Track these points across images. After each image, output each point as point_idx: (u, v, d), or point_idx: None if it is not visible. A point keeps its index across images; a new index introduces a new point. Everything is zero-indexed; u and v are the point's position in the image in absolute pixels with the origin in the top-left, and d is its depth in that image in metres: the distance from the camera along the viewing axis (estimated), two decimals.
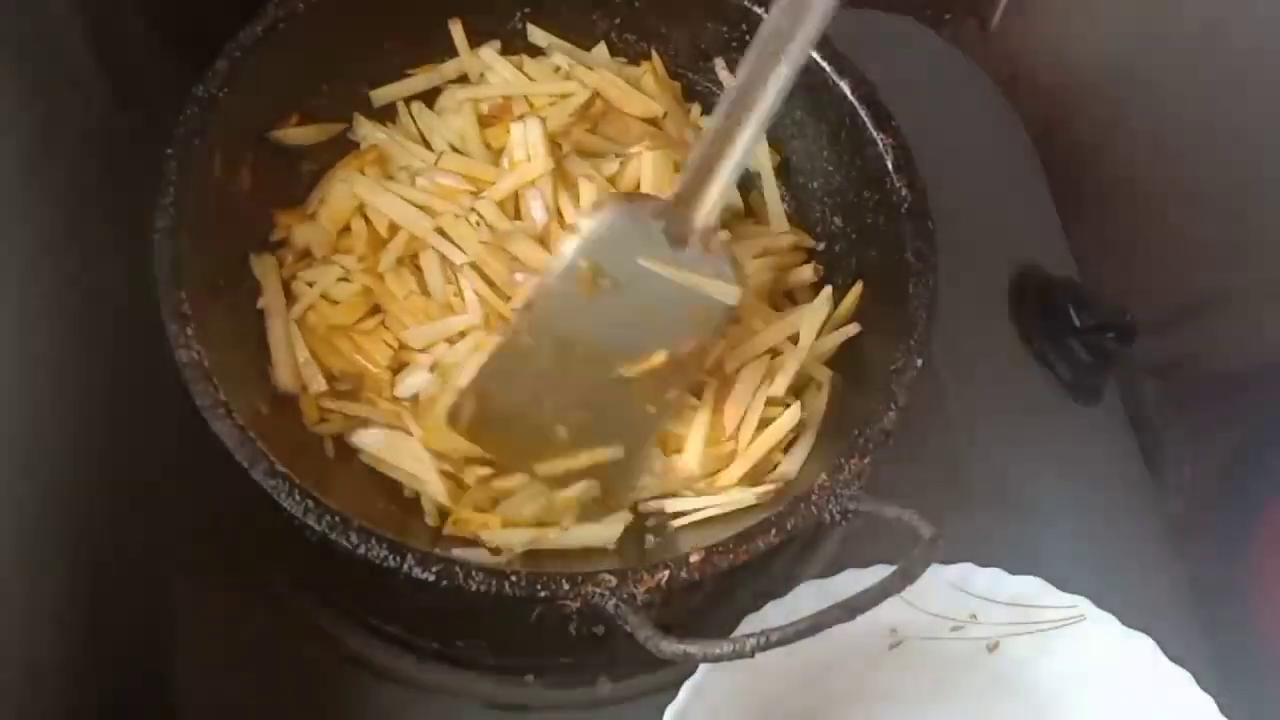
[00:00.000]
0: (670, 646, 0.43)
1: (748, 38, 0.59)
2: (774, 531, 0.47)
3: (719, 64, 0.62)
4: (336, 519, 0.46)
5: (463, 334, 0.54)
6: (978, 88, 0.80)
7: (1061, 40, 0.87)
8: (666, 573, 0.46)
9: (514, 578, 0.45)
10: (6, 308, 0.48)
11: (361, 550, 0.45)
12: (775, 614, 0.52)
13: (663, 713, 0.50)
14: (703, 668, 0.51)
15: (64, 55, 0.56)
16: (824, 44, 0.58)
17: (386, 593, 0.55)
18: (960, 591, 0.54)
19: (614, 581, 0.45)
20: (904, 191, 0.55)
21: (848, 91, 0.57)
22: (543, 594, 0.45)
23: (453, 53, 0.61)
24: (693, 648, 0.42)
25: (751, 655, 0.42)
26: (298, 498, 0.46)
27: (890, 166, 0.55)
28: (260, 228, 0.56)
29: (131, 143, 0.55)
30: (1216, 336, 0.89)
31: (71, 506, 0.51)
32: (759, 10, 0.58)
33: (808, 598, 0.52)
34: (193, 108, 0.52)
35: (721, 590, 0.57)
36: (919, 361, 0.51)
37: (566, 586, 0.45)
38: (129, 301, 0.50)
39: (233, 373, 0.49)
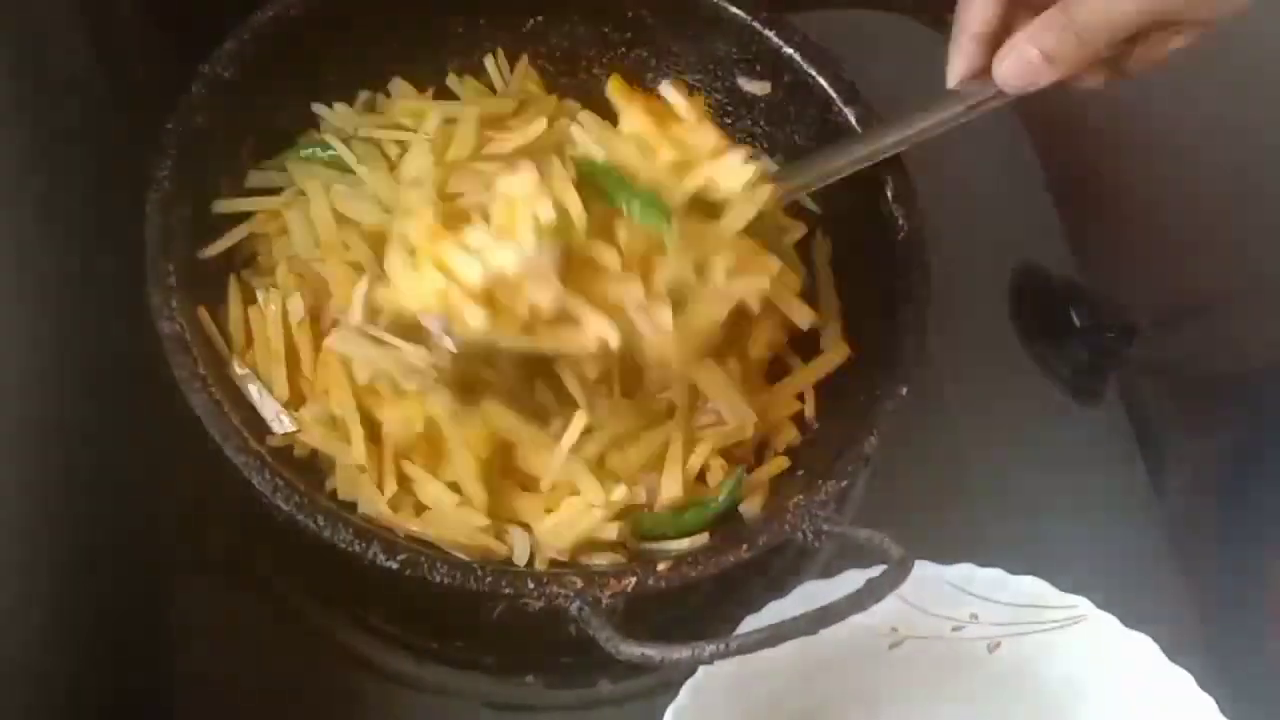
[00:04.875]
0: (630, 649, 0.43)
1: (757, 59, 0.59)
2: (745, 547, 0.48)
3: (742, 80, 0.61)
4: (305, 500, 0.46)
5: None
6: None
7: None
8: (634, 579, 0.46)
9: (479, 572, 0.45)
10: (4, 305, 0.48)
11: (328, 534, 0.45)
12: (774, 614, 0.52)
13: (663, 713, 0.50)
14: (702, 668, 0.51)
15: (63, 55, 0.56)
16: (830, 71, 0.58)
17: (386, 592, 0.55)
18: (961, 591, 0.54)
19: (580, 584, 0.45)
20: (901, 221, 0.55)
21: (852, 120, 0.57)
22: (506, 590, 0.45)
23: (457, 46, 0.61)
24: (652, 650, 0.42)
25: (710, 662, 0.42)
26: (267, 475, 0.46)
27: (890, 195, 0.56)
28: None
29: (131, 143, 0.55)
30: (1216, 336, 0.89)
31: (70, 506, 0.51)
32: (769, 33, 0.58)
33: (807, 598, 0.52)
34: (198, 85, 0.52)
35: (721, 590, 0.57)
36: (904, 390, 0.51)
37: (531, 585, 0.46)
38: (126, 300, 0.50)
39: (216, 353, 0.50)
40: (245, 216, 0.55)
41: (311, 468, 0.51)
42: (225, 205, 0.55)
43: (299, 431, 0.50)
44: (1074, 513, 0.66)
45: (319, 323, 0.53)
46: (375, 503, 0.50)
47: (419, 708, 0.56)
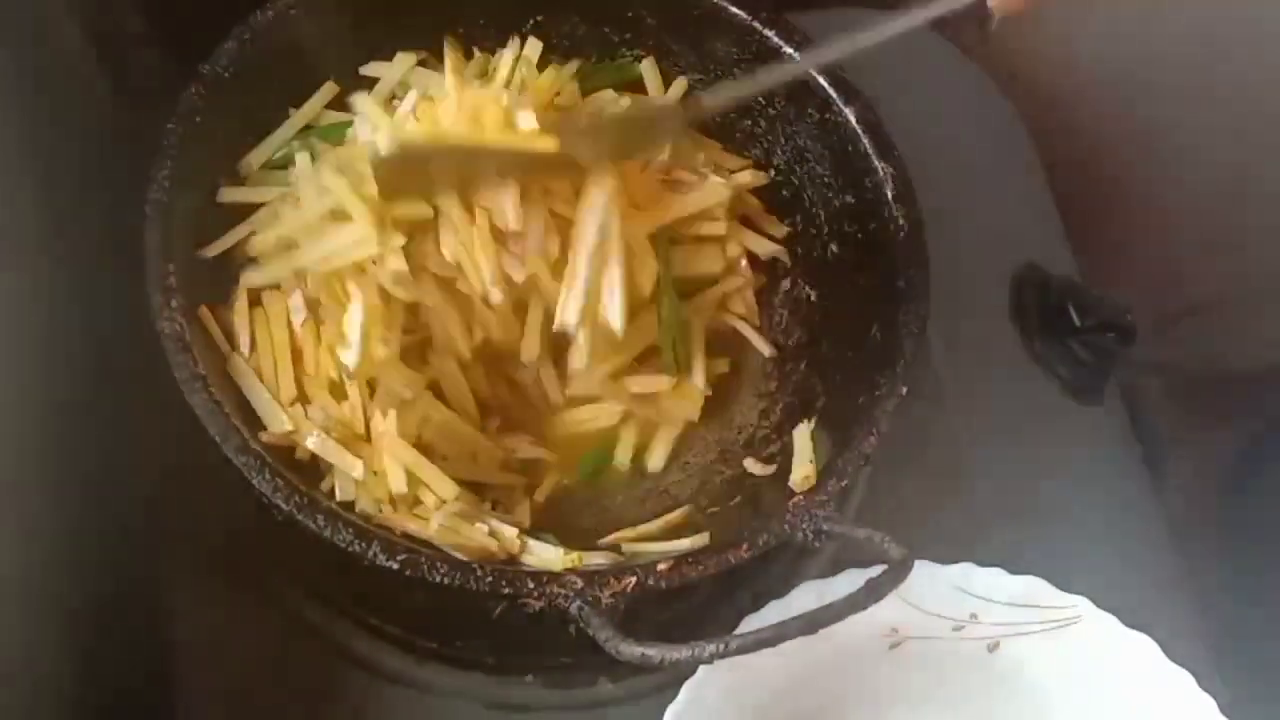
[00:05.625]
0: (629, 649, 0.43)
1: (757, 59, 0.59)
2: (745, 547, 0.48)
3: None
4: (305, 500, 0.46)
5: None
6: (978, 88, 0.80)
7: (1061, 40, 0.87)
8: (634, 579, 0.46)
9: (479, 572, 0.45)
10: (5, 305, 0.48)
11: (328, 534, 0.45)
12: (774, 614, 0.52)
13: (663, 713, 0.50)
14: (702, 668, 0.51)
15: (64, 54, 0.56)
16: (830, 71, 0.58)
17: (386, 593, 0.55)
18: (961, 591, 0.54)
19: (579, 584, 0.45)
20: (901, 220, 0.55)
21: (852, 118, 0.57)
22: (506, 590, 0.45)
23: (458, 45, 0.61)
24: (651, 650, 0.42)
25: (710, 662, 0.42)
26: (267, 476, 0.46)
27: (890, 195, 0.56)
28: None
29: (131, 142, 0.55)
30: (1216, 336, 0.89)
31: (70, 506, 0.51)
32: (769, 32, 0.58)
33: (807, 598, 0.52)
34: (198, 85, 0.52)
35: (722, 590, 0.57)
36: (904, 389, 0.51)
37: (531, 585, 0.45)
38: (126, 299, 0.50)
39: (217, 352, 0.50)
40: (245, 216, 0.55)
41: (312, 467, 0.51)
42: (230, 195, 0.55)
43: (295, 432, 0.50)
44: (1074, 512, 0.66)
45: (322, 322, 0.53)
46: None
47: (419, 708, 0.56)
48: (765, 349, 0.61)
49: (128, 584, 0.56)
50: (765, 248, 0.61)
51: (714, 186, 0.58)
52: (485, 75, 0.60)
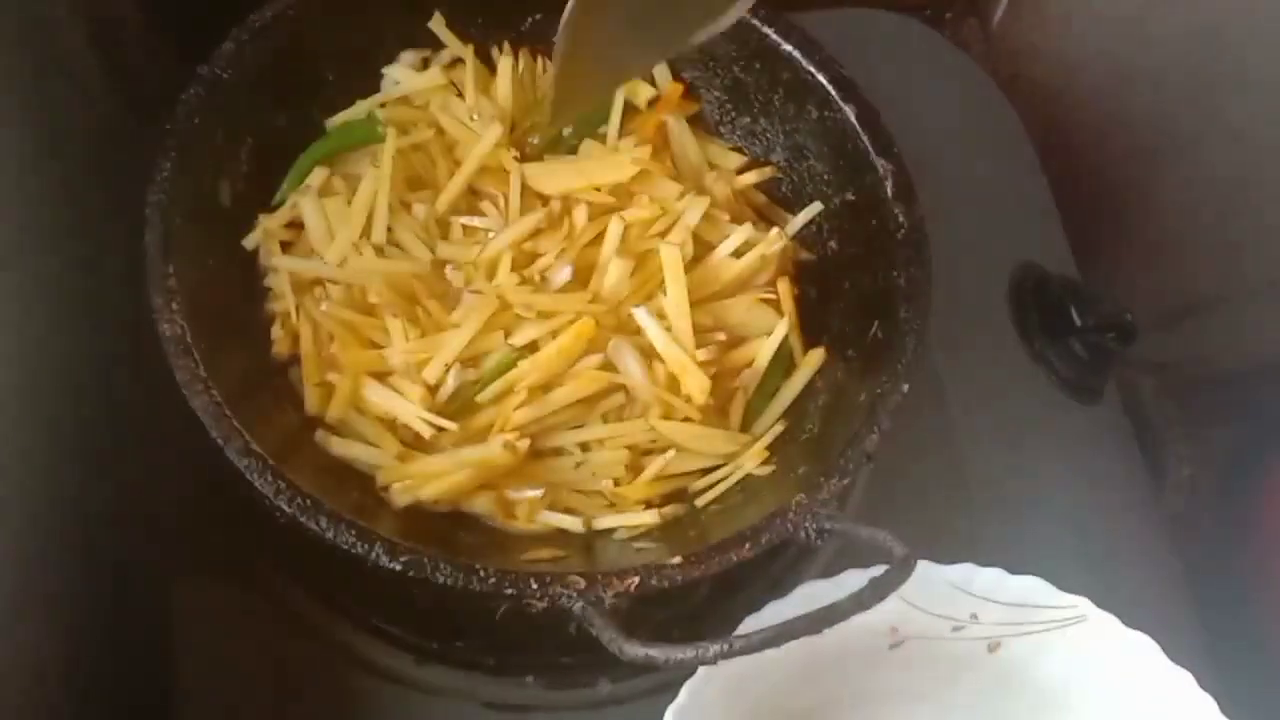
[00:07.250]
0: (633, 650, 0.43)
1: (757, 57, 0.59)
2: (747, 546, 0.48)
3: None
4: (307, 502, 0.46)
5: None
6: (978, 88, 0.80)
7: (1061, 40, 0.87)
8: (636, 579, 0.46)
9: (481, 573, 0.45)
10: (6, 305, 0.48)
11: (330, 535, 0.45)
12: (775, 614, 0.52)
13: (663, 713, 0.50)
14: (703, 668, 0.51)
15: (64, 54, 0.56)
16: (829, 67, 0.58)
17: (386, 592, 0.55)
18: (961, 591, 0.54)
19: (582, 584, 0.45)
20: (901, 218, 0.55)
21: (851, 116, 0.57)
22: (509, 591, 0.45)
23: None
24: (655, 651, 0.42)
25: (714, 662, 0.42)
26: (270, 478, 0.46)
27: (889, 194, 0.56)
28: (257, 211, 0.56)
29: (131, 142, 0.55)
30: (1216, 336, 0.89)
31: (70, 506, 0.51)
32: (768, 30, 0.58)
33: (808, 598, 0.52)
34: (197, 87, 0.52)
35: (722, 590, 0.57)
36: (905, 386, 0.51)
37: (534, 586, 0.45)
38: (128, 300, 0.50)
39: (218, 355, 0.50)
40: (248, 217, 0.55)
41: None
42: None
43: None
44: (1074, 512, 0.66)
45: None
46: None
47: (419, 708, 0.56)
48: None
49: (127, 584, 0.56)
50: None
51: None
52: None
